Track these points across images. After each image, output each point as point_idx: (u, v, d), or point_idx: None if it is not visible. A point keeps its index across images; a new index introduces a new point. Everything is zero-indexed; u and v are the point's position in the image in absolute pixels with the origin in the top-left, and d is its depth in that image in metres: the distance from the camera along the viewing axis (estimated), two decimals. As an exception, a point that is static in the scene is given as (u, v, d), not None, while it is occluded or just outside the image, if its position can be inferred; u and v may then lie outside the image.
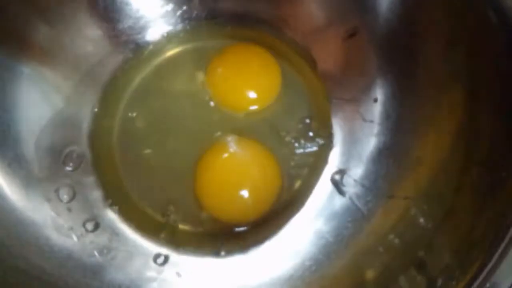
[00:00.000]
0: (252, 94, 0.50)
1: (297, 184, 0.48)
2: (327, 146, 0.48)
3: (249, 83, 0.50)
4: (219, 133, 0.48)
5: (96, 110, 0.49)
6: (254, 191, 0.46)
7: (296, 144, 0.48)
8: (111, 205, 0.46)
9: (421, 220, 0.39)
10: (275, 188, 0.47)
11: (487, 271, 0.32)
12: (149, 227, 0.46)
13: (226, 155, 0.47)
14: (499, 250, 0.32)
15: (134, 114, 0.49)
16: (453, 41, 0.41)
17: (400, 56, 0.45)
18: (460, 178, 0.38)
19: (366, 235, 0.44)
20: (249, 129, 0.49)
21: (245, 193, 0.46)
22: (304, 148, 0.48)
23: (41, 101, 0.46)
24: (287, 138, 0.49)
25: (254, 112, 0.50)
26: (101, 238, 0.45)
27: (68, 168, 0.46)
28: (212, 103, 0.50)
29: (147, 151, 0.48)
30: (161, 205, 0.47)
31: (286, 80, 0.50)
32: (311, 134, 0.49)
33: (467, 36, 0.40)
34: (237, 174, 0.47)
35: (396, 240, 0.41)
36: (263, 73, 0.51)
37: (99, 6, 0.47)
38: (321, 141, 0.48)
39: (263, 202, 0.46)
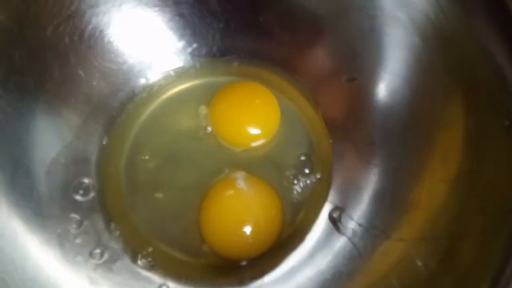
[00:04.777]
0: (252, 130, 0.51)
1: (297, 220, 0.49)
2: (326, 184, 0.50)
3: (249, 119, 0.52)
4: (227, 170, 0.50)
5: (104, 143, 0.50)
6: (257, 231, 0.46)
7: (296, 181, 0.50)
8: (117, 236, 0.47)
9: (419, 263, 0.41)
10: (277, 228, 0.48)
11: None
12: (155, 258, 0.47)
13: (232, 192, 0.48)
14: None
15: (141, 148, 0.51)
16: (448, 93, 0.44)
17: (397, 104, 0.48)
18: (456, 225, 0.40)
19: (366, 276, 0.44)
20: (251, 163, 0.50)
21: (247, 233, 0.46)
22: (304, 184, 0.50)
23: (52, 133, 0.47)
24: (287, 173, 0.50)
25: (256, 147, 0.51)
26: (106, 267, 0.46)
27: (77, 198, 0.47)
28: (214, 139, 0.51)
29: (154, 184, 0.49)
30: (167, 237, 0.48)
31: (288, 118, 0.52)
32: (310, 171, 0.50)
33: (463, 88, 0.42)
34: (241, 213, 0.47)
35: (396, 283, 0.42)
36: (262, 110, 0.52)
37: (113, 41, 0.49)
38: (320, 178, 0.50)
39: (264, 242, 0.47)
